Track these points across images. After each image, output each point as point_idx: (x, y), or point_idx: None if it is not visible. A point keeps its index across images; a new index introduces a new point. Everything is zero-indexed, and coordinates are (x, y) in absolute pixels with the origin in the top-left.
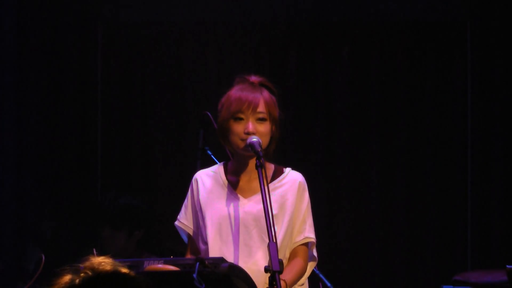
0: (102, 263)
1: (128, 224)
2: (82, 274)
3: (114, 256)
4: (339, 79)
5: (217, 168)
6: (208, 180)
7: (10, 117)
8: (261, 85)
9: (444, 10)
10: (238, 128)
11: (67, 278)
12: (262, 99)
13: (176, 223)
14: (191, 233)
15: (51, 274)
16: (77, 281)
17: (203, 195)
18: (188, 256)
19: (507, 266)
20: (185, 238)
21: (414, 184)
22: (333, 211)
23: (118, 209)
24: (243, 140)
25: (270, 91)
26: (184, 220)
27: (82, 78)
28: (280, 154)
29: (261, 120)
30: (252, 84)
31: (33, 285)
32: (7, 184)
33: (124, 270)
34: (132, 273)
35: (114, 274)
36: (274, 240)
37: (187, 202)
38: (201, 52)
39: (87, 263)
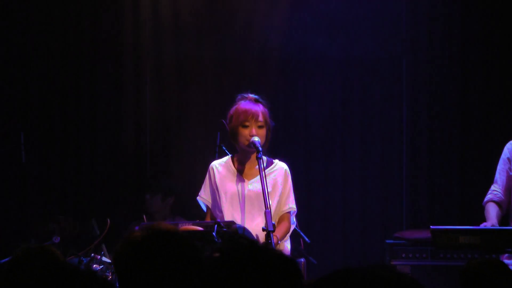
0: (159, 224)
1: (161, 190)
2: (145, 232)
3: (153, 215)
4: (314, 97)
5: (227, 159)
6: (221, 167)
7: (85, 126)
8: (256, 101)
9: (384, 48)
10: (244, 132)
11: (136, 234)
12: (261, 112)
13: (198, 198)
14: (209, 205)
15: (119, 232)
16: (141, 237)
17: (218, 178)
18: (208, 220)
19: (431, 226)
20: (204, 208)
21: (365, 174)
22: (309, 188)
23: (155, 181)
24: (248, 140)
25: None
26: (204, 196)
27: (135, 99)
28: (274, 148)
29: (260, 127)
30: (251, 100)
31: (100, 242)
32: (84, 174)
33: (174, 230)
34: (181, 232)
35: (169, 232)
36: (269, 209)
37: (206, 182)
38: (218, 78)
39: (147, 225)
